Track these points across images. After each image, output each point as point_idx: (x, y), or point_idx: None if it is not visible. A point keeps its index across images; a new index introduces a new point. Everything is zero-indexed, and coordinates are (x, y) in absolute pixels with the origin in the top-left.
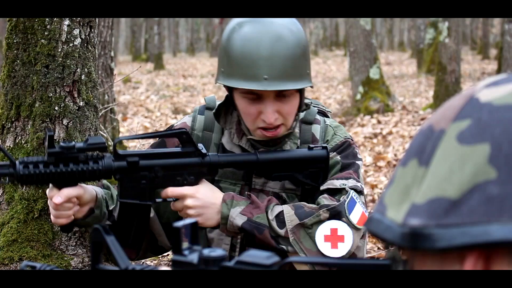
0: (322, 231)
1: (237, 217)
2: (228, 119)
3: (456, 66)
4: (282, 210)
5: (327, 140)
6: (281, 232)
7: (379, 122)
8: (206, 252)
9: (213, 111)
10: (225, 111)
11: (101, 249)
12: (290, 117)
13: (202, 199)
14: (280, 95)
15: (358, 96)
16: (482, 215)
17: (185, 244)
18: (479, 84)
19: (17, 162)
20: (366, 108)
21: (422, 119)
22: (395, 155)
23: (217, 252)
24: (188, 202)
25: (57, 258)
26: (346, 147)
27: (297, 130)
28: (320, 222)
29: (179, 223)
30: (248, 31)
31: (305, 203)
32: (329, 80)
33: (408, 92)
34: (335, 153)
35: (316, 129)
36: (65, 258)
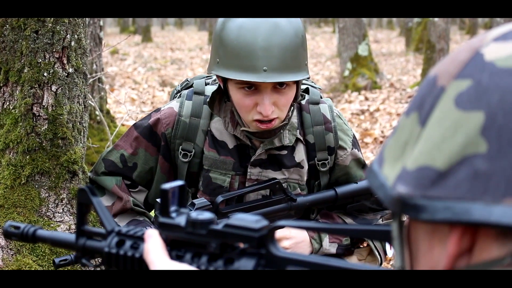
0: None
1: (330, 247)
2: (222, 107)
3: (445, 45)
4: None
5: (341, 130)
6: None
7: (366, 99)
8: (194, 215)
9: (203, 97)
10: (219, 98)
11: (87, 211)
12: (286, 108)
13: (295, 237)
14: (277, 87)
15: (346, 73)
16: (467, 191)
17: (173, 207)
18: (489, 34)
19: None
20: (354, 85)
21: (409, 96)
22: (382, 131)
23: (204, 215)
24: (285, 243)
25: (44, 225)
26: (356, 139)
27: (294, 120)
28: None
29: (167, 185)
30: (244, 20)
31: (365, 215)
32: (317, 56)
33: (396, 70)
34: (355, 150)
35: (325, 109)
36: (52, 225)
